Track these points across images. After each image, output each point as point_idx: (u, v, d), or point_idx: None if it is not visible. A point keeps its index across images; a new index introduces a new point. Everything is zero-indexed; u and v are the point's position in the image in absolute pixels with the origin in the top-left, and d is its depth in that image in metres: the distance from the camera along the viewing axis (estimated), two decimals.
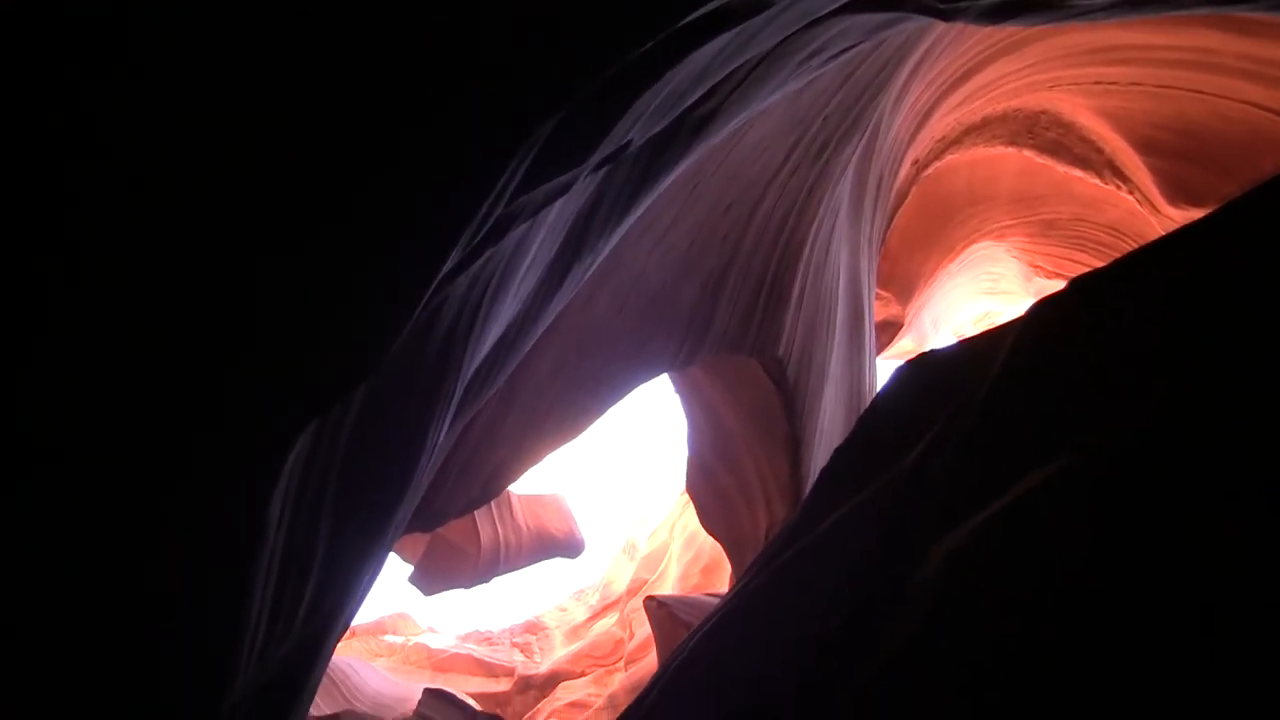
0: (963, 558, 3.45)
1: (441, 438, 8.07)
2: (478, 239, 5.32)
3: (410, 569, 35.89)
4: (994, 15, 9.94)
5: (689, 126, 8.60)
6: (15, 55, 3.08)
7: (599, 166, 6.85)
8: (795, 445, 20.91)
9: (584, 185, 7.34)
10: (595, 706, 40.12)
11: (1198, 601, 2.50)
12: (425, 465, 7.50)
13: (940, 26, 17.33)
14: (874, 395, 6.96)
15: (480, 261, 5.83)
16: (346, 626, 8.29)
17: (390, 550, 8.81)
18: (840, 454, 6.85)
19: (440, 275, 4.97)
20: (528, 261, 7.37)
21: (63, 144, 3.32)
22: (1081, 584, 2.82)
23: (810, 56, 9.74)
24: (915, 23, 11.62)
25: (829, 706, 3.60)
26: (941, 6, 9.17)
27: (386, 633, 59.00)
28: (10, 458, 3.45)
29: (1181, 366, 3.47)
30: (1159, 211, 24.43)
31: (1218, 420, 3.02)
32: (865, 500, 5.21)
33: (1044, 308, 5.03)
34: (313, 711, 24.76)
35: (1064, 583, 2.88)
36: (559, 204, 6.81)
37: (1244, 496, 2.67)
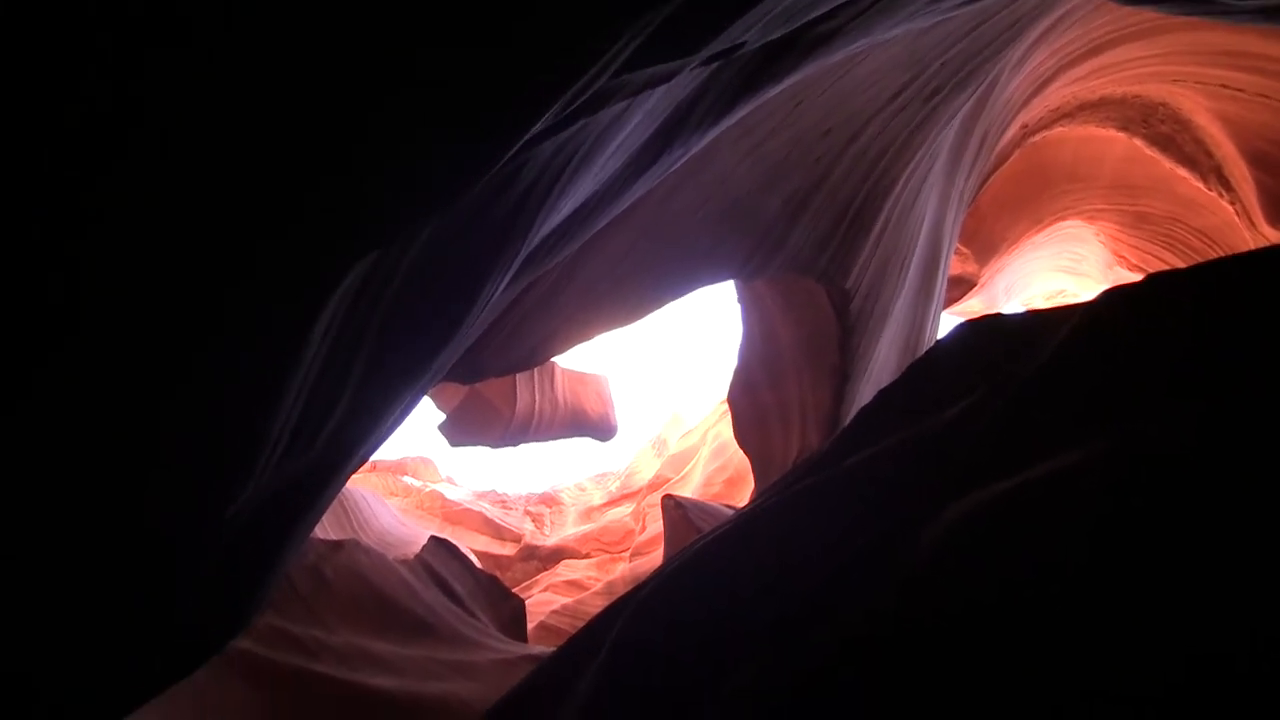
0: (971, 524, 3.46)
1: (497, 295, 8.13)
2: (571, 108, 5.29)
3: (442, 417, 36.37)
4: None
5: (805, 42, 8.47)
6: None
7: (708, 61, 6.78)
8: (843, 378, 20.95)
9: (689, 77, 7.27)
10: (593, 590, 40.64)
11: (1197, 611, 2.50)
12: (474, 319, 7.56)
13: None
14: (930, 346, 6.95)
15: (570, 131, 5.82)
16: (366, 459, 8.46)
17: (424, 395, 8.93)
18: (883, 395, 6.86)
19: (527, 136, 4.97)
20: (617, 141, 7.34)
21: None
22: (1078, 577, 2.82)
23: None
24: None
25: (809, 644, 3.64)
26: None
27: (406, 474, 60.09)
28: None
29: (1238, 386, 3.43)
30: (1256, 228, 24.00)
31: (1258, 445, 2.99)
32: (895, 445, 5.21)
33: (1115, 296, 4.96)
34: (320, 535, 25.33)
35: (1059, 571, 2.89)
36: (660, 90, 6.76)
37: (1267, 525, 2.65)
